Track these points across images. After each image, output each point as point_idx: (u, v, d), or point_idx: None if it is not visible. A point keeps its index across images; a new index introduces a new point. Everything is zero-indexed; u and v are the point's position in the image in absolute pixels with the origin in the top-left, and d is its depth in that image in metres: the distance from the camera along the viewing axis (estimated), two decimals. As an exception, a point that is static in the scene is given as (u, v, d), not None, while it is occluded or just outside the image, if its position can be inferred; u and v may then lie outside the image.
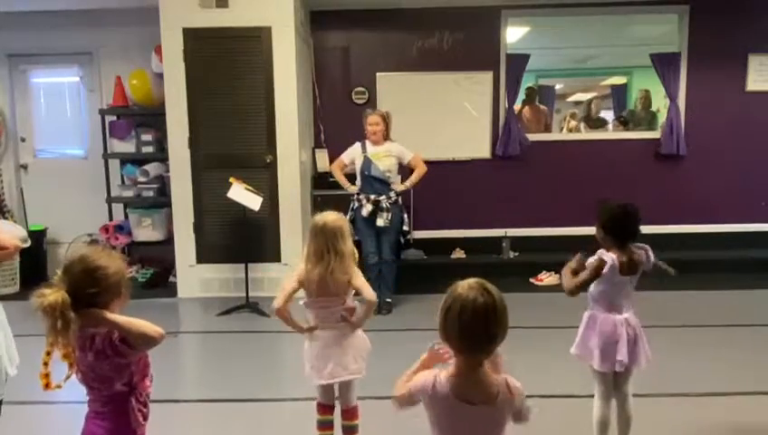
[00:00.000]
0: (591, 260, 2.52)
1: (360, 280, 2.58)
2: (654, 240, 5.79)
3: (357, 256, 2.61)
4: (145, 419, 1.86)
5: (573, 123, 8.68)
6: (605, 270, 2.46)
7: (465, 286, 1.59)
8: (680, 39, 6.29)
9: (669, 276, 2.56)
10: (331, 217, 2.57)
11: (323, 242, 2.50)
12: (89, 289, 1.71)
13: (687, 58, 6.26)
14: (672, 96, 6.30)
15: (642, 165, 6.39)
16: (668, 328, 4.29)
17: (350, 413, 2.67)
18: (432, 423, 1.65)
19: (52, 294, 1.65)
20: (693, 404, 3.28)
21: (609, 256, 2.48)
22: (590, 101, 8.58)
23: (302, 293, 2.62)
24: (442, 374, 1.63)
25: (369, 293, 2.58)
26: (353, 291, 2.61)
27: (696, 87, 6.28)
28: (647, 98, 7.23)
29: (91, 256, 1.77)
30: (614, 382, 2.59)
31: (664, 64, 6.30)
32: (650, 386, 3.27)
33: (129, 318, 1.73)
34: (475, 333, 1.56)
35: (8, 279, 5.68)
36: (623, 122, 7.47)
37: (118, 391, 1.79)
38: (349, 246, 2.55)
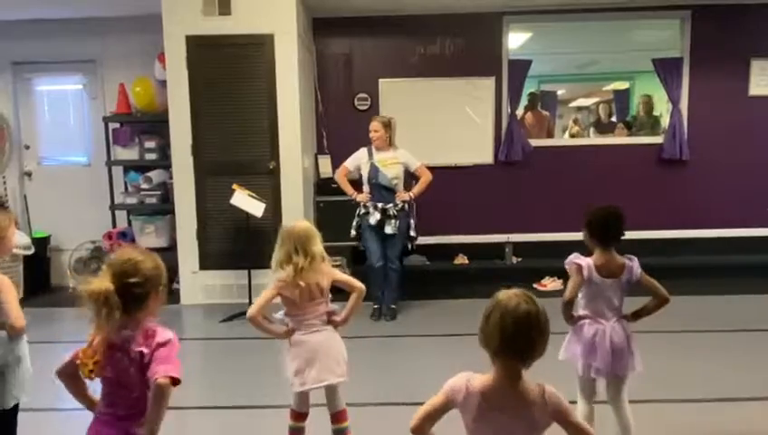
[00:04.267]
0: (567, 268, 2.58)
1: (342, 275, 2.67)
2: (656, 245, 5.78)
3: (326, 257, 2.62)
4: None
5: (576, 128, 8.70)
6: (584, 272, 2.51)
7: (510, 294, 1.61)
8: (682, 44, 6.30)
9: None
10: (299, 223, 2.65)
11: (291, 245, 2.54)
12: (131, 278, 1.80)
13: (689, 63, 6.26)
14: (674, 101, 6.29)
15: (645, 170, 6.38)
16: (670, 333, 4.28)
17: (339, 417, 2.67)
18: (466, 427, 1.66)
19: (98, 282, 1.77)
20: (699, 410, 3.27)
21: (582, 259, 2.55)
22: (597, 107, 8.56)
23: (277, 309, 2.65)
24: (475, 380, 1.63)
25: (357, 283, 2.65)
26: (329, 296, 2.64)
27: (698, 92, 6.28)
28: (648, 103, 7.22)
29: (132, 252, 1.91)
30: (607, 392, 2.61)
31: (666, 69, 6.30)
32: (656, 392, 3.27)
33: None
34: (517, 340, 1.56)
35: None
36: (628, 126, 7.47)
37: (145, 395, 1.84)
38: (318, 248, 2.57)
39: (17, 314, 2.38)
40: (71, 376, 1.89)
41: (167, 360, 1.78)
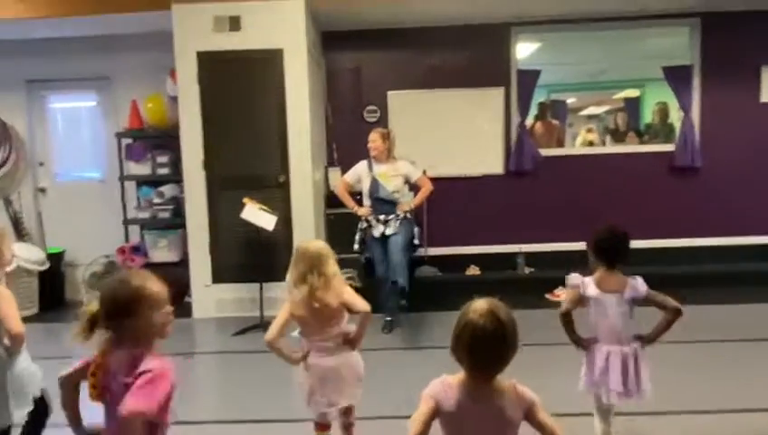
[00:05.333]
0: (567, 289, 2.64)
1: (349, 295, 2.59)
2: (669, 253, 5.71)
3: (339, 275, 2.62)
4: None
5: (591, 137, 8.62)
6: (581, 288, 2.55)
7: (477, 312, 1.65)
8: (692, 51, 6.28)
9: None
10: (313, 243, 2.69)
11: (306, 266, 2.55)
12: (114, 303, 1.78)
13: (700, 70, 6.24)
14: (685, 108, 6.27)
15: (657, 178, 6.34)
16: (682, 344, 4.22)
17: (347, 410, 2.70)
18: (443, 426, 1.71)
19: (92, 304, 1.83)
20: (707, 421, 3.23)
21: (578, 277, 2.60)
22: (615, 116, 8.48)
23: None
24: (450, 378, 1.71)
25: (362, 304, 2.59)
26: (346, 317, 2.62)
27: (709, 99, 6.25)
28: (664, 110, 7.17)
29: (128, 275, 1.87)
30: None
31: (676, 77, 6.28)
32: (669, 403, 3.23)
33: None
34: (485, 357, 1.66)
35: (27, 301, 5.74)
36: (639, 134, 7.44)
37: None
38: (332, 269, 2.57)
39: (15, 323, 2.38)
40: (73, 387, 1.88)
41: (138, 391, 1.68)
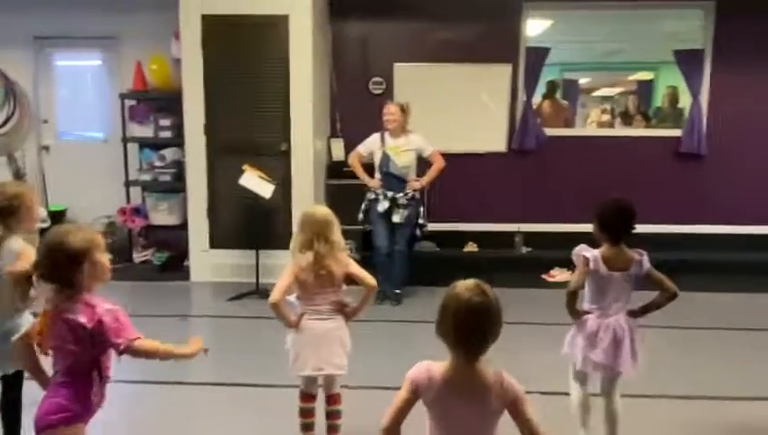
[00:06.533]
0: (574, 259, 2.57)
1: (357, 268, 2.65)
2: (669, 239, 5.72)
3: (344, 246, 2.65)
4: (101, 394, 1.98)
5: (605, 118, 8.51)
6: (591, 265, 2.49)
7: (463, 287, 1.66)
8: (705, 35, 6.16)
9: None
10: (320, 209, 2.68)
11: (313, 232, 2.57)
12: (54, 253, 1.89)
13: (712, 55, 6.13)
14: (694, 94, 6.18)
15: (661, 163, 6.29)
16: (678, 329, 4.24)
17: (333, 399, 2.73)
18: (428, 412, 1.70)
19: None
20: (693, 407, 3.25)
21: (590, 251, 2.53)
22: (627, 98, 8.38)
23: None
24: (435, 367, 1.68)
25: (370, 279, 2.64)
26: (343, 286, 2.65)
27: (719, 85, 6.15)
28: (674, 95, 7.08)
29: (65, 226, 2.01)
30: (601, 384, 2.63)
31: (687, 61, 6.18)
32: (655, 387, 3.25)
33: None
34: (469, 332, 1.63)
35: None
36: (646, 118, 7.36)
37: (82, 362, 1.91)
38: (338, 236, 2.60)
39: (22, 266, 2.39)
40: (27, 346, 2.03)
41: (118, 328, 1.88)
